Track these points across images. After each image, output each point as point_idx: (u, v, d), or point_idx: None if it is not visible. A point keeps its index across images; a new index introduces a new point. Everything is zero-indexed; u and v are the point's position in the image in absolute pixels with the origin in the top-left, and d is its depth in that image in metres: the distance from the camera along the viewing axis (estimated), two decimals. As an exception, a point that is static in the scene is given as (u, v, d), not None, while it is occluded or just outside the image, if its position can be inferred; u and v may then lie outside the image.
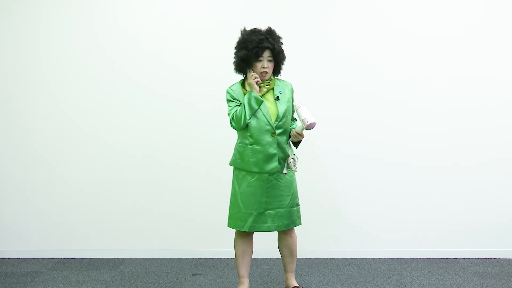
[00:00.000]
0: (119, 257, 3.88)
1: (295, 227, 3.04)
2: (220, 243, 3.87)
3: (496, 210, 3.90)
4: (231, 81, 3.75)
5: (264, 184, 2.90)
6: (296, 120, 3.13)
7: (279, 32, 2.98)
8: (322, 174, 3.84)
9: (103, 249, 3.89)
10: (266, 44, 2.86)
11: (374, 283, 3.40)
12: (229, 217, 3.01)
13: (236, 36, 3.74)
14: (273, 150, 2.88)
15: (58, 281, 3.44)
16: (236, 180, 2.98)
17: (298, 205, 3.03)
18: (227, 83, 3.77)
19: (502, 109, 3.87)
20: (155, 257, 3.88)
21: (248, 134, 2.90)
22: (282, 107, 2.92)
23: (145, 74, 3.84)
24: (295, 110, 2.95)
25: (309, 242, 3.74)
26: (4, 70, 3.84)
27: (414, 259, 3.86)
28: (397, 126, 3.87)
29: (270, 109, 2.91)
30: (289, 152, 2.96)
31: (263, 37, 2.86)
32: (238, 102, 2.94)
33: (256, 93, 2.87)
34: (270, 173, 2.90)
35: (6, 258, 3.86)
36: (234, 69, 3.00)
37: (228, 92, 2.98)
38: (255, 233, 3.06)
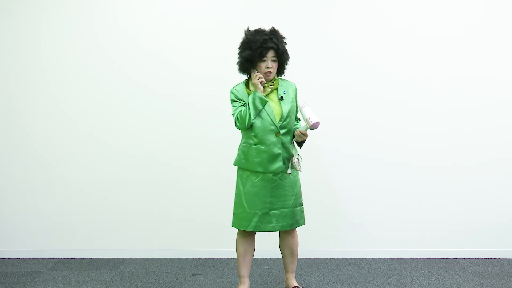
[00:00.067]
0: (119, 257, 3.88)
1: (296, 227, 3.04)
2: (220, 243, 3.87)
3: (496, 210, 3.90)
4: (231, 81, 3.75)
5: (268, 184, 2.90)
6: (299, 120, 3.13)
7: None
8: (322, 174, 3.84)
9: (103, 249, 3.89)
10: (270, 44, 2.86)
11: (374, 283, 3.40)
12: (233, 217, 3.01)
13: (236, 36, 3.75)
14: (277, 150, 2.89)
15: (58, 281, 3.44)
16: (241, 180, 2.98)
17: (301, 204, 3.03)
18: (227, 83, 3.77)
19: (502, 109, 3.87)
20: (155, 257, 3.88)
21: (253, 134, 2.91)
22: (286, 107, 2.92)
23: (145, 74, 3.84)
24: (299, 110, 2.95)
25: (309, 242, 3.74)
26: (4, 70, 3.84)
27: (414, 259, 3.86)
28: (397, 126, 3.88)
29: (274, 109, 2.91)
30: (293, 152, 2.97)
31: (267, 37, 2.87)
32: (243, 102, 2.94)
33: (260, 93, 2.88)
34: (275, 173, 2.90)
35: (6, 258, 3.86)
36: (238, 69, 3.00)
37: (232, 93, 2.99)
38: (256, 233, 3.06)
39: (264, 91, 2.92)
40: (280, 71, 3.00)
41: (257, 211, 2.91)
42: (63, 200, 3.88)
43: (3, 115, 3.86)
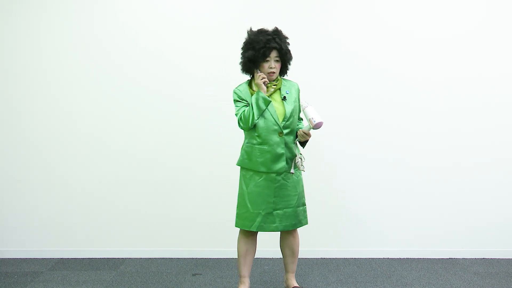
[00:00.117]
0: (119, 257, 3.88)
1: (299, 227, 3.05)
2: (220, 243, 3.87)
3: (496, 210, 3.90)
4: (231, 81, 3.75)
5: (272, 184, 2.91)
6: (302, 120, 3.14)
7: (280, 32, 2.98)
8: (322, 174, 3.84)
9: (103, 249, 3.89)
10: (273, 45, 2.86)
11: (374, 283, 3.40)
12: (236, 217, 3.01)
13: (236, 36, 3.76)
14: (280, 150, 2.89)
15: (58, 281, 3.44)
16: (244, 180, 2.98)
17: (304, 204, 3.04)
18: (227, 83, 3.78)
19: (502, 109, 3.87)
20: (155, 257, 3.88)
21: (256, 134, 2.91)
22: (289, 107, 2.93)
23: (145, 74, 3.84)
24: (301, 109, 2.96)
25: (309, 242, 3.74)
26: (4, 70, 3.84)
27: (414, 259, 3.86)
28: (396, 126, 3.88)
29: (277, 109, 2.91)
30: (296, 152, 2.97)
31: (270, 37, 2.87)
32: (246, 102, 2.94)
33: (263, 93, 2.88)
34: (278, 173, 2.90)
35: (6, 258, 3.86)
36: (241, 69, 3.00)
37: (235, 93, 2.99)
38: (257, 233, 3.06)
39: (267, 91, 2.92)
40: (283, 71, 3.01)
41: (261, 211, 2.91)
42: (63, 200, 3.88)
43: (3, 115, 3.86)
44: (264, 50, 2.86)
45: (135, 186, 3.88)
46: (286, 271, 3.15)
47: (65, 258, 3.87)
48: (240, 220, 2.98)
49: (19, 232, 3.90)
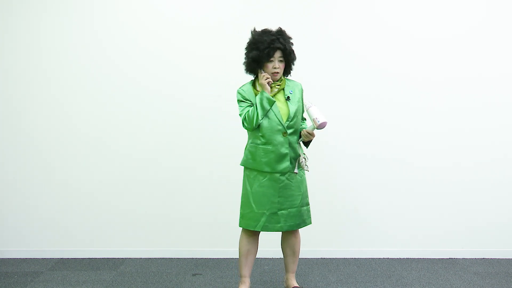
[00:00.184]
0: (119, 257, 3.88)
1: (303, 227, 3.05)
2: (220, 243, 3.87)
3: (496, 210, 3.90)
4: (231, 81, 3.75)
5: (276, 184, 2.91)
6: (305, 120, 3.14)
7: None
8: (322, 174, 3.83)
9: (103, 249, 3.89)
10: (277, 45, 2.87)
11: (374, 283, 3.40)
12: (240, 217, 3.01)
13: (236, 36, 3.77)
14: (284, 150, 2.90)
15: (58, 281, 3.44)
16: (248, 180, 2.98)
17: (308, 204, 3.05)
18: (227, 83, 3.79)
19: (502, 109, 3.87)
20: (155, 257, 3.88)
21: (260, 134, 2.91)
22: (293, 107, 2.93)
23: (145, 74, 3.84)
24: (305, 110, 2.96)
25: (309, 242, 3.74)
26: (4, 70, 3.84)
27: (414, 259, 3.86)
28: (396, 126, 3.88)
29: (281, 109, 2.92)
30: (300, 151, 2.98)
31: (274, 37, 2.88)
32: (250, 102, 2.94)
33: (268, 93, 2.88)
34: (282, 173, 2.91)
35: (6, 258, 3.86)
36: (245, 69, 3.00)
37: (239, 93, 2.99)
38: (260, 233, 3.07)
39: (271, 91, 2.92)
40: (287, 71, 3.01)
41: (265, 211, 2.91)
42: (63, 200, 3.88)
43: (3, 115, 3.86)
44: (268, 51, 2.86)
45: (135, 186, 3.88)
46: (287, 271, 3.15)
47: (65, 258, 3.87)
48: (244, 220, 2.98)
49: (19, 232, 3.90)
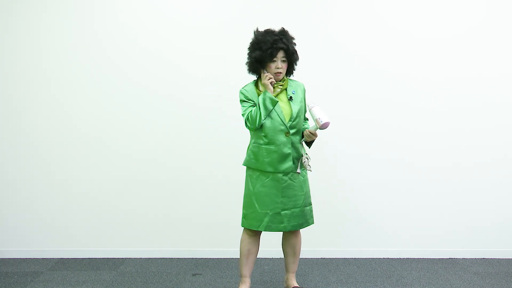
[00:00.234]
0: (119, 257, 3.88)
1: (306, 227, 3.06)
2: (220, 243, 3.87)
3: (496, 210, 3.90)
4: (231, 81, 3.76)
5: (279, 184, 2.91)
6: (307, 120, 3.14)
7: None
8: (322, 174, 3.83)
9: (103, 249, 3.89)
10: (280, 45, 2.87)
11: (374, 283, 3.40)
12: (243, 217, 3.01)
13: (236, 36, 3.78)
14: (287, 150, 2.90)
15: (58, 281, 3.44)
16: (250, 180, 2.98)
17: (310, 204, 3.05)
18: (227, 83, 3.79)
19: (502, 109, 3.87)
20: (155, 257, 3.88)
21: (263, 134, 2.91)
22: (295, 107, 2.94)
23: (145, 74, 3.84)
24: (308, 110, 2.97)
25: (310, 242, 3.74)
26: (4, 70, 3.83)
27: (414, 259, 3.86)
28: (396, 126, 3.88)
29: (284, 109, 2.92)
30: (302, 151, 2.98)
31: (277, 37, 2.88)
32: (252, 102, 2.94)
33: (270, 93, 2.88)
34: (285, 173, 2.91)
35: (6, 258, 3.86)
36: (248, 69, 3.00)
37: (241, 93, 2.99)
38: (261, 233, 3.07)
39: (274, 91, 2.93)
40: (289, 71, 3.02)
41: (268, 211, 2.91)
42: (63, 200, 3.88)
43: (3, 115, 3.86)
44: (271, 51, 2.86)
45: (135, 186, 3.88)
46: (287, 271, 3.16)
47: (65, 258, 3.87)
48: (247, 220, 2.98)
49: (19, 232, 3.90)
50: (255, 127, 2.90)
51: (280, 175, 2.91)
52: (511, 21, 3.85)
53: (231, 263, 3.75)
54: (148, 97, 3.84)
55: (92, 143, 3.86)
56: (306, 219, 3.00)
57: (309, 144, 3.06)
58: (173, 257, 3.88)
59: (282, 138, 2.90)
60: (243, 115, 2.95)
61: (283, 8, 3.81)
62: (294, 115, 2.92)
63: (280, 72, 2.92)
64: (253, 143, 2.98)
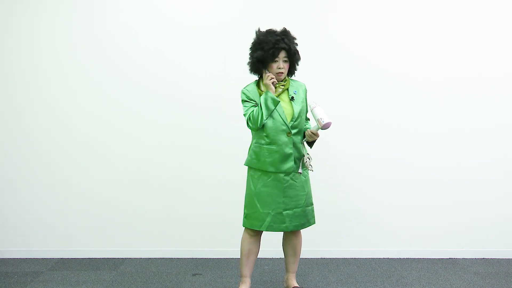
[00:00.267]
0: (119, 257, 3.88)
1: (308, 227, 3.06)
2: (220, 243, 3.87)
3: (496, 210, 3.90)
4: (231, 81, 3.76)
5: (280, 184, 2.92)
6: (309, 120, 3.15)
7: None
8: (322, 174, 3.83)
9: (103, 249, 3.89)
10: (282, 45, 2.88)
11: (374, 283, 3.40)
12: (244, 217, 3.01)
13: (236, 36, 3.78)
14: (289, 150, 2.90)
15: (58, 281, 3.44)
16: (252, 180, 2.98)
17: (312, 204, 3.06)
18: (227, 83, 3.79)
19: (502, 109, 3.87)
20: (155, 257, 3.88)
21: (264, 134, 2.92)
22: (297, 107, 2.94)
23: (145, 74, 3.84)
24: (310, 110, 2.97)
25: (310, 242, 3.74)
26: (4, 70, 3.83)
27: (414, 259, 3.86)
28: (396, 126, 3.88)
29: (285, 109, 2.93)
30: (304, 151, 2.98)
31: (279, 37, 2.88)
32: (254, 102, 2.95)
33: (272, 93, 2.89)
34: (286, 173, 2.91)
35: (6, 258, 3.86)
36: (249, 69, 3.00)
37: (243, 93, 2.99)
38: (262, 233, 3.07)
39: (276, 91, 2.93)
40: (291, 71, 3.02)
41: (270, 211, 2.92)
42: (63, 200, 3.88)
43: (3, 115, 3.86)
44: (273, 51, 2.87)
45: (135, 186, 3.88)
46: (287, 271, 3.16)
47: (65, 258, 3.86)
48: (248, 220, 2.98)
49: (19, 232, 3.90)
50: (257, 127, 2.90)
51: (282, 175, 2.91)
52: (511, 21, 3.85)
53: (231, 263, 3.75)
54: (148, 97, 3.84)
55: (92, 143, 3.86)
56: (307, 219, 3.01)
57: (310, 144, 3.06)
58: (173, 257, 3.88)
59: (283, 138, 2.90)
60: (244, 115, 2.95)
61: (283, 8, 3.81)
62: (296, 115, 2.92)
63: (282, 72, 2.93)
64: (255, 143, 2.98)
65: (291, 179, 2.94)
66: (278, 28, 2.97)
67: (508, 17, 3.85)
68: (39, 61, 3.83)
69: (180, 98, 3.85)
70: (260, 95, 2.93)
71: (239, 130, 3.68)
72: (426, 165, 3.88)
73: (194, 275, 3.55)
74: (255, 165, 2.96)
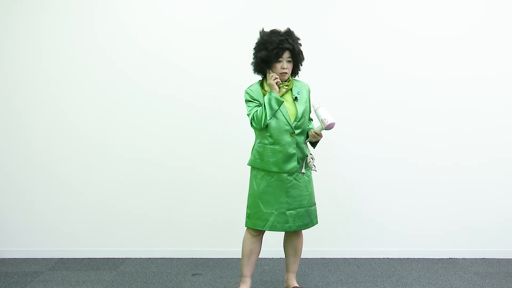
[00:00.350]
0: (119, 257, 3.88)
1: (311, 227, 3.06)
2: (220, 243, 3.87)
3: (496, 210, 3.90)
4: (231, 81, 3.76)
5: (284, 184, 2.92)
6: (312, 120, 3.15)
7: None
8: (322, 174, 3.83)
9: (103, 249, 3.89)
10: (286, 45, 2.88)
11: (374, 283, 3.40)
12: (247, 217, 3.01)
13: (236, 36, 3.78)
14: (292, 150, 2.91)
15: (58, 281, 3.44)
16: (255, 180, 2.98)
17: (315, 204, 3.07)
18: (227, 83, 3.79)
19: (502, 109, 3.87)
20: (155, 257, 3.88)
21: (268, 134, 2.92)
22: (300, 107, 2.95)
23: (145, 74, 3.84)
24: (313, 110, 2.97)
25: (309, 242, 3.73)
26: (4, 70, 3.83)
27: (414, 259, 3.86)
28: (396, 126, 3.88)
29: (289, 109, 2.93)
30: (307, 152, 2.98)
31: (283, 38, 2.89)
32: (258, 102, 2.95)
33: (276, 93, 2.89)
34: (289, 173, 2.92)
35: (6, 258, 3.86)
36: (253, 69, 3.00)
37: (247, 93, 2.99)
38: (264, 234, 3.07)
39: (279, 91, 2.93)
40: (294, 71, 3.02)
41: (273, 211, 2.92)
42: (63, 200, 3.88)
43: (3, 115, 3.85)
44: (277, 51, 2.87)
45: (135, 186, 3.88)
46: (287, 270, 3.16)
47: (65, 258, 3.86)
48: (251, 220, 2.98)
49: (19, 232, 3.90)
50: (261, 127, 2.91)
51: (285, 175, 2.92)
52: (511, 21, 3.85)
53: (231, 263, 3.75)
54: (148, 97, 3.84)
55: (92, 143, 3.86)
56: (311, 219, 3.01)
57: (313, 144, 3.06)
58: (173, 257, 3.88)
59: (287, 138, 2.90)
60: (248, 115, 2.95)
61: (283, 8, 3.81)
62: (299, 115, 2.93)
63: (286, 73, 2.93)
64: (258, 143, 2.98)
65: (294, 179, 2.94)
66: (282, 28, 2.97)
67: (508, 17, 3.85)
68: (39, 61, 3.83)
69: (180, 98, 3.85)
70: (264, 95, 2.93)
71: (239, 130, 3.68)
72: (426, 165, 3.88)
73: (194, 275, 3.55)
74: (258, 165, 2.96)
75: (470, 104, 3.86)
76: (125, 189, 3.88)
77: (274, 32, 2.93)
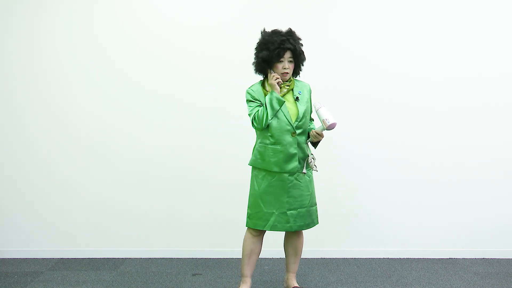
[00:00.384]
0: (119, 257, 3.88)
1: (312, 227, 3.06)
2: (220, 243, 3.87)
3: (496, 210, 3.90)
4: (231, 81, 3.76)
5: (285, 184, 2.92)
6: (313, 120, 3.15)
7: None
8: (321, 174, 3.83)
9: (103, 249, 3.89)
10: (287, 45, 2.88)
11: (374, 283, 3.40)
12: (248, 217, 3.01)
13: (236, 36, 3.78)
14: (293, 150, 2.91)
15: (58, 281, 3.44)
16: (256, 180, 2.99)
17: (316, 204, 3.07)
18: (227, 83, 3.79)
19: (502, 109, 3.87)
20: (155, 257, 3.88)
21: (269, 134, 2.92)
22: (302, 107, 2.95)
23: (145, 74, 3.84)
24: (315, 110, 2.98)
25: (309, 242, 3.73)
26: (4, 70, 3.83)
27: (414, 259, 3.86)
28: (396, 126, 3.88)
29: (290, 109, 2.93)
30: (308, 152, 2.99)
31: (284, 38, 2.89)
32: (259, 102, 2.95)
33: (277, 93, 2.89)
34: (290, 173, 2.92)
35: (6, 258, 3.86)
36: (255, 69, 3.00)
37: (248, 93, 2.99)
38: (264, 234, 3.07)
39: (281, 91, 2.93)
40: (296, 72, 3.02)
41: (274, 211, 2.92)
42: (63, 200, 3.88)
43: (3, 115, 3.86)
44: (279, 51, 2.87)
45: (135, 186, 3.88)
46: (287, 270, 3.16)
47: (65, 258, 3.87)
48: (252, 220, 2.98)
49: (19, 232, 3.90)
50: (262, 127, 2.91)
51: (286, 175, 2.92)
52: (511, 21, 3.85)
53: (231, 263, 3.75)
54: (148, 97, 3.84)
55: (92, 143, 3.86)
56: (312, 219, 3.02)
57: (315, 144, 3.06)
58: (173, 257, 3.88)
59: (288, 138, 2.90)
60: (249, 115, 2.95)
61: (283, 8, 3.81)
62: (301, 115, 2.93)
63: (287, 73, 2.93)
64: (259, 143, 2.98)
65: (296, 179, 2.94)
66: (282, 28, 2.97)
67: (508, 17, 3.85)
68: (39, 61, 3.83)
69: (180, 98, 3.85)
70: (265, 95, 2.94)
71: (239, 130, 3.69)
72: (426, 165, 3.88)
73: (194, 275, 3.55)
74: (259, 165, 2.96)
75: (470, 104, 3.86)
76: (125, 189, 3.88)
77: (275, 32, 2.93)
